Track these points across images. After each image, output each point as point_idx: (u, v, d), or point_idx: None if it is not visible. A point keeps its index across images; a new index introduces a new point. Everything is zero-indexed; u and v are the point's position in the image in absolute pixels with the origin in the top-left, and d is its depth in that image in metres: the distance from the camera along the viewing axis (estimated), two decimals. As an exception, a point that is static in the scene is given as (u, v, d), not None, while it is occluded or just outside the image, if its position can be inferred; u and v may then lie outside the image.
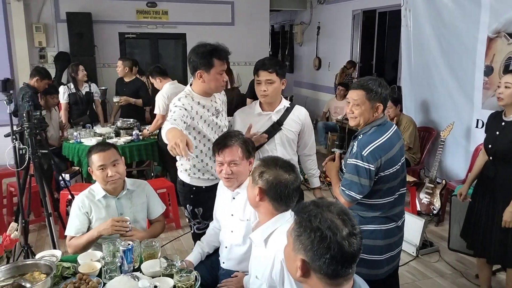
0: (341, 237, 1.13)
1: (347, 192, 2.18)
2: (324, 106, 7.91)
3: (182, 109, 2.36)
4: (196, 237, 2.60)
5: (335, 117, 7.07)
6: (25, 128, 3.03)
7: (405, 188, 2.39)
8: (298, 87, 10.36)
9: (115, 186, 2.35)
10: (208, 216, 2.55)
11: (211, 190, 2.49)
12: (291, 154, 2.72)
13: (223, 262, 2.29)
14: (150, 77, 4.89)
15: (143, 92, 5.49)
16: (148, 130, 4.75)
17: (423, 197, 4.43)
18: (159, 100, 4.43)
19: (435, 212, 4.36)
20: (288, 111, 2.70)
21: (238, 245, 2.20)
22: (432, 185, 4.39)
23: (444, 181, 4.37)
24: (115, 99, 5.39)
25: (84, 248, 2.27)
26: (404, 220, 2.40)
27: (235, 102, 4.86)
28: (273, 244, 1.72)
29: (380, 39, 8.37)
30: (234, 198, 2.24)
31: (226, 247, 2.26)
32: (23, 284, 1.66)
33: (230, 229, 2.23)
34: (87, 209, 2.34)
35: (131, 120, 5.13)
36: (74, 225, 2.31)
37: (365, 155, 2.12)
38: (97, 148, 2.38)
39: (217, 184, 2.44)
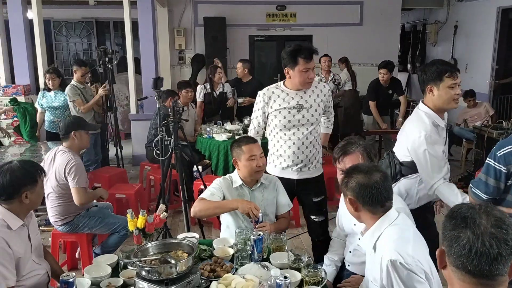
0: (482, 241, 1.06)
1: (473, 190, 2.14)
2: (457, 112, 7.29)
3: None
4: None
5: (472, 124, 6.47)
6: (169, 122, 3.36)
7: None
8: (428, 90, 9.72)
9: (260, 176, 2.49)
10: None
11: None
12: None
13: (348, 265, 2.30)
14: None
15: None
16: None
17: None
18: None
19: None
20: None
21: (362, 250, 2.17)
22: None
23: None
24: (240, 100, 5.66)
25: (209, 212, 2.39)
26: None
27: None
28: (380, 248, 1.70)
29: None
30: None
31: (350, 251, 2.26)
32: (168, 260, 1.85)
33: (358, 237, 2.19)
34: (224, 191, 2.48)
35: (248, 118, 5.35)
36: (210, 192, 2.45)
37: (499, 155, 2.05)
38: (248, 140, 2.53)
39: None
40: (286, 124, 2.82)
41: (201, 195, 2.46)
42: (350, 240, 2.29)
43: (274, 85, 2.93)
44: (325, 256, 2.43)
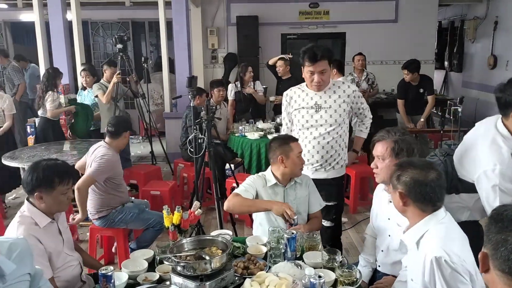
0: None
1: None
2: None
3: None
4: None
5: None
6: (203, 120, 3.40)
7: None
8: (467, 87, 9.40)
9: (301, 174, 2.51)
10: None
11: None
12: None
13: (379, 266, 2.26)
14: None
15: None
16: None
17: None
18: None
19: None
20: None
21: (395, 249, 2.15)
22: None
23: None
24: (272, 98, 5.66)
25: (243, 208, 2.42)
26: None
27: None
28: (424, 245, 1.66)
29: None
30: (390, 201, 2.16)
31: (382, 250, 2.23)
32: (203, 256, 1.87)
33: (388, 233, 2.19)
34: (257, 189, 2.50)
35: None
36: (244, 188, 2.46)
37: None
38: (293, 138, 2.57)
39: None
40: (304, 123, 2.86)
41: (235, 190, 2.48)
42: (381, 239, 2.25)
43: (298, 85, 2.99)
44: (360, 256, 2.41)
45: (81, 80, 5.37)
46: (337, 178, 2.95)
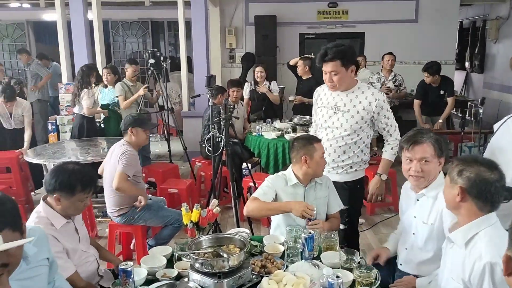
0: None
1: None
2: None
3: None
4: None
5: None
6: (221, 119, 3.42)
7: None
8: (489, 89, 9.23)
9: (322, 174, 2.51)
10: None
11: None
12: None
13: (400, 264, 2.25)
14: None
15: None
16: None
17: None
18: None
19: None
20: None
21: (419, 248, 2.15)
22: None
23: None
24: (291, 98, 5.65)
25: (262, 212, 2.43)
26: None
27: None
28: (475, 246, 1.63)
29: None
30: (418, 200, 2.17)
31: (406, 248, 2.22)
32: (221, 253, 1.88)
33: (413, 231, 2.18)
34: (277, 188, 2.49)
35: (308, 117, 5.32)
36: (262, 192, 2.45)
37: None
38: (317, 138, 2.56)
39: None
40: (323, 123, 2.84)
41: (254, 194, 2.47)
42: (405, 236, 2.24)
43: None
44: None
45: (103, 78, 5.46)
46: (351, 182, 2.86)
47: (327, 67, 2.64)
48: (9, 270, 1.22)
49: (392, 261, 2.33)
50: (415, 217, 2.16)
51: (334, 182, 2.72)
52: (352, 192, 2.87)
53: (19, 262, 1.29)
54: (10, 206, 1.25)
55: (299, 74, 5.80)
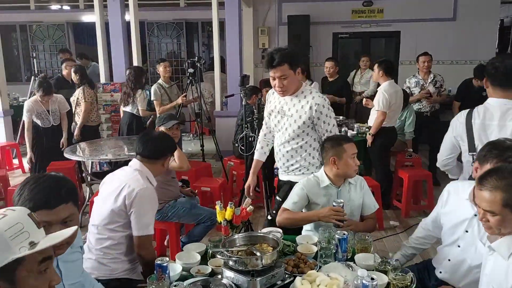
0: None
1: None
2: None
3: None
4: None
5: None
6: (254, 119, 3.44)
7: None
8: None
9: (354, 175, 2.47)
10: None
11: None
12: None
13: (440, 272, 2.17)
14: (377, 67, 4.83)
15: (347, 90, 5.61)
16: (370, 133, 4.67)
17: None
18: (380, 97, 4.45)
19: None
20: None
21: (468, 265, 2.03)
22: None
23: None
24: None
25: (293, 223, 2.42)
26: None
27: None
28: None
29: None
30: (476, 215, 1.94)
31: (449, 260, 2.12)
32: (254, 252, 1.89)
33: (457, 243, 2.07)
34: (309, 191, 2.48)
35: (341, 117, 5.27)
36: (292, 201, 2.46)
37: None
38: (348, 139, 2.54)
39: None
40: (273, 127, 2.84)
41: (284, 205, 2.47)
42: (448, 248, 2.13)
43: None
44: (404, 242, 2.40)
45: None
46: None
47: (276, 72, 2.57)
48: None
49: (428, 263, 2.27)
50: (466, 231, 2.01)
51: (286, 181, 2.79)
52: None
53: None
54: (72, 185, 1.58)
55: (326, 75, 5.76)
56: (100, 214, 2.33)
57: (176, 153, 3.17)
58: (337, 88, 5.63)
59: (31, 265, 1.13)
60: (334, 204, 2.25)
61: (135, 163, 2.46)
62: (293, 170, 2.79)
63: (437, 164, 2.69)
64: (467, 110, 2.43)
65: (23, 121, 5.15)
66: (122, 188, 2.29)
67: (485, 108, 2.38)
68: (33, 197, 1.45)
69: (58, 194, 1.49)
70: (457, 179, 2.57)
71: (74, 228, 1.24)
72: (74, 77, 5.40)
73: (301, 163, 2.75)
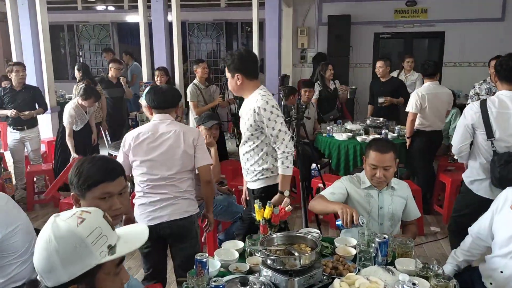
0: None
1: None
2: None
3: None
4: None
5: None
6: (293, 119, 3.43)
7: None
8: None
9: (380, 187, 2.43)
10: None
11: None
12: None
13: (491, 283, 2.09)
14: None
15: (404, 90, 5.48)
16: (406, 136, 4.60)
17: None
18: (411, 98, 4.37)
19: None
20: None
21: None
22: None
23: None
24: (380, 100, 5.42)
25: (318, 208, 2.42)
26: None
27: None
28: None
29: None
30: None
31: (501, 271, 2.04)
32: (292, 252, 1.89)
33: (510, 256, 2.00)
34: (348, 186, 2.47)
35: (381, 119, 5.17)
36: (330, 191, 2.45)
37: None
38: (379, 147, 2.40)
39: None
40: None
41: (322, 192, 2.49)
42: (499, 258, 2.05)
43: None
44: (452, 252, 2.34)
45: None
46: (256, 190, 2.77)
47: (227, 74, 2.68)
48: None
49: (474, 272, 2.19)
50: None
51: (248, 190, 2.83)
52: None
53: None
54: (118, 163, 1.79)
55: (379, 76, 5.63)
56: (171, 165, 2.55)
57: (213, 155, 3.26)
58: (392, 88, 5.46)
59: (109, 268, 1.16)
60: (360, 216, 2.13)
61: (160, 116, 2.61)
62: (250, 174, 2.79)
63: (452, 150, 3.01)
64: (479, 101, 2.79)
65: (63, 126, 5.08)
66: (184, 135, 2.54)
67: (499, 99, 2.71)
68: (95, 172, 1.60)
69: (114, 168, 1.66)
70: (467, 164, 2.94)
71: (146, 234, 1.26)
72: (77, 74, 5.66)
73: (255, 167, 2.73)
